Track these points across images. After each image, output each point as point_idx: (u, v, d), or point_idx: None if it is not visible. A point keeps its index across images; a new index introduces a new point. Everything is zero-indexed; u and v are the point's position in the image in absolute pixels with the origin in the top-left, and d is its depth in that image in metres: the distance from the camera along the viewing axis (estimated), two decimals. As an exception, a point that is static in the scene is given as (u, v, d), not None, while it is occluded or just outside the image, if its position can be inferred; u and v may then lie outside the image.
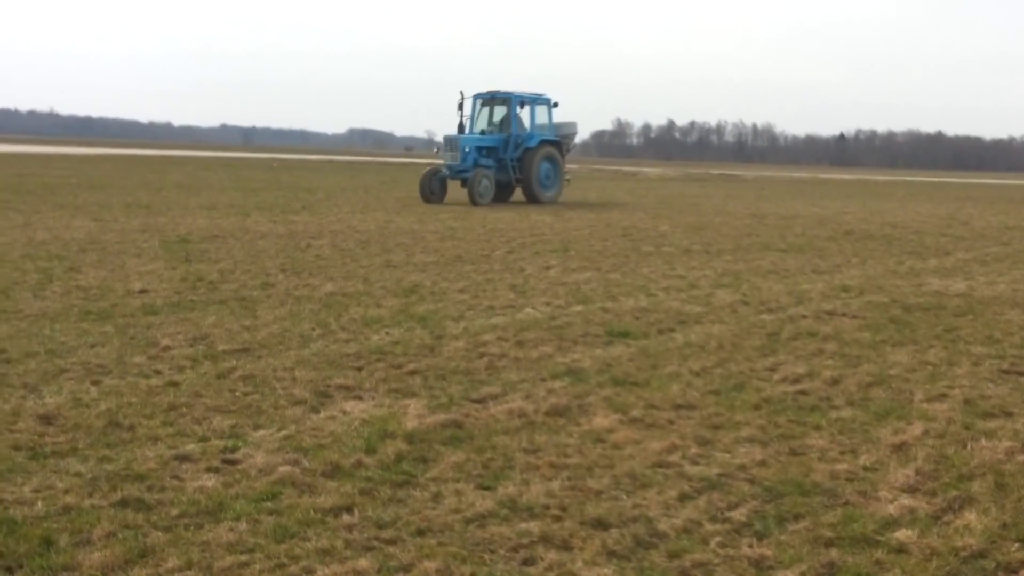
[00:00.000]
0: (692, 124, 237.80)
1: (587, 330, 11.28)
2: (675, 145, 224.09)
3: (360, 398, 8.17)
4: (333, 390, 8.37)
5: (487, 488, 6.18)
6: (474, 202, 31.92)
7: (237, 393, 8.16)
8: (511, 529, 5.52)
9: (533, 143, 33.59)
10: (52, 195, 30.34)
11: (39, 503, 5.66)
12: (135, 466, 6.31)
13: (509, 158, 33.50)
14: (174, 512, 5.64)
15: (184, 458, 6.53)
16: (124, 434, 7.00)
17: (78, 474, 6.16)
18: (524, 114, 34.25)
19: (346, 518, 5.62)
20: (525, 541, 5.38)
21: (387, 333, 10.72)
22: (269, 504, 5.79)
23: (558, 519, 5.70)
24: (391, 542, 5.34)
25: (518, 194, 34.97)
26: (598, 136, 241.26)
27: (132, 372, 8.69)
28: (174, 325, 10.74)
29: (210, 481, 6.12)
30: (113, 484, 6.00)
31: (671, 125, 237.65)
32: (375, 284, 14.24)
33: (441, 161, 33.86)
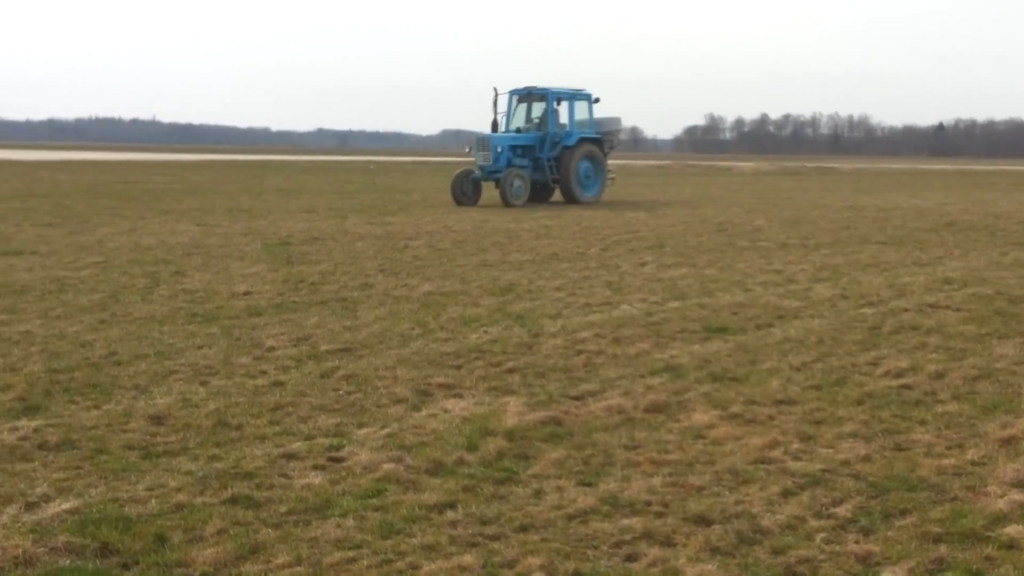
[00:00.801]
0: (786, 117, 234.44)
1: (684, 326, 11.25)
2: (769, 139, 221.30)
3: (460, 396, 8.25)
4: (434, 388, 8.47)
5: (588, 484, 6.21)
6: (506, 203, 30.15)
7: (340, 392, 8.31)
8: (613, 525, 5.54)
9: (572, 141, 31.66)
10: (156, 201, 31.06)
11: (152, 501, 5.83)
12: (244, 464, 6.47)
13: (546, 157, 31.59)
14: (282, 509, 5.76)
15: (291, 456, 6.67)
16: (232, 433, 7.17)
17: (189, 472, 6.32)
18: (563, 111, 32.30)
19: (450, 514, 5.70)
20: (627, 537, 5.40)
21: (485, 332, 10.80)
22: (374, 501, 5.89)
23: (660, 515, 5.71)
24: (495, 538, 5.40)
25: (559, 194, 33.01)
26: (690, 131, 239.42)
27: (238, 372, 8.89)
28: (277, 326, 10.96)
29: (316, 478, 6.24)
30: (223, 482, 6.15)
31: (764, 119, 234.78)
32: (472, 283, 14.35)
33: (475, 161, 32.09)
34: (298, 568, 4.96)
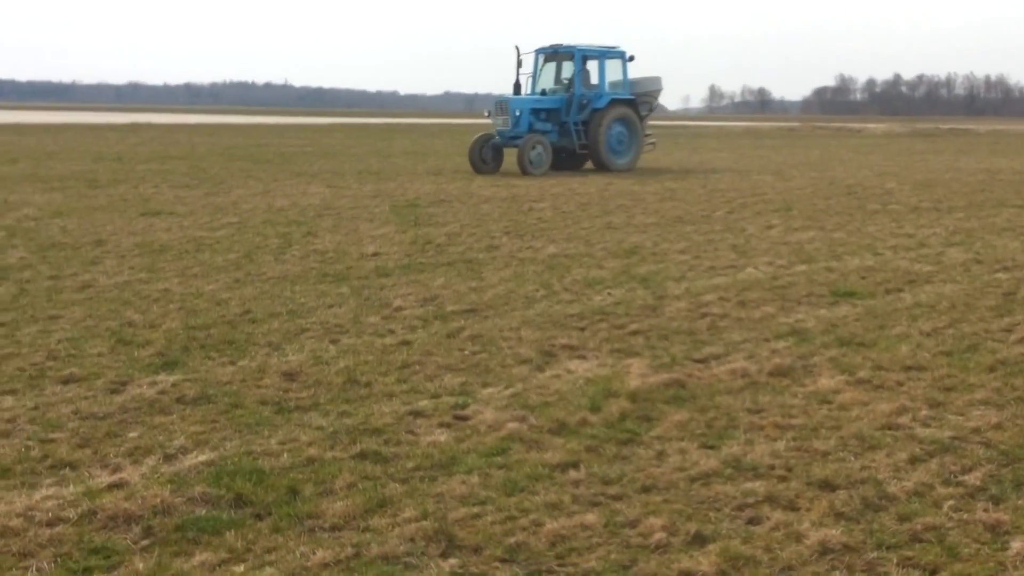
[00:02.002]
0: (920, 78, 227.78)
1: (811, 290, 11.11)
2: (901, 100, 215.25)
3: (584, 357, 8.31)
4: (557, 349, 8.54)
5: (711, 447, 6.22)
6: (524, 171, 27.18)
7: (466, 352, 8.43)
8: (736, 488, 5.55)
9: (602, 103, 28.53)
10: (289, 163, 31.68)
11: (285, 455, 6.02)
12: (372, 421, 6.63)
13: (572, 121, 28.58)
14: (409, 465, 5.90)
15: (417, 414, 6.81)
16: (361, 390, 7.35)
17: (320, 428, 6.51)
18: (594, 71, 29.26)
19: (573, 474, 5.76)
20: (750, 500, 5.39)
21: (609, 294, 10.83)
22: (499, 459, 5.99)
23: (783, 479, 5.69)
24: (617, 498, 5.45)
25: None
26: (820, 93, 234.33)
27: (367, 331, 9.09)
28: (405, 287, 11.15)
29: (442, 436, 6.37)
30: (352, 437, 6.32)
31: (897, 79, 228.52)
32: (596, 246, 14.37)
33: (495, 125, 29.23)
34: (424, 522, 5.08)
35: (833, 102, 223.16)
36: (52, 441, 6.21)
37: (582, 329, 9.27)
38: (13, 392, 7.17)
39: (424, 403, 7.03)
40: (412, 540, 4.90)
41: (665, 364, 8.04)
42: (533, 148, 27.49)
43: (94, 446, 6.15)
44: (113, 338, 8.67)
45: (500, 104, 28.74)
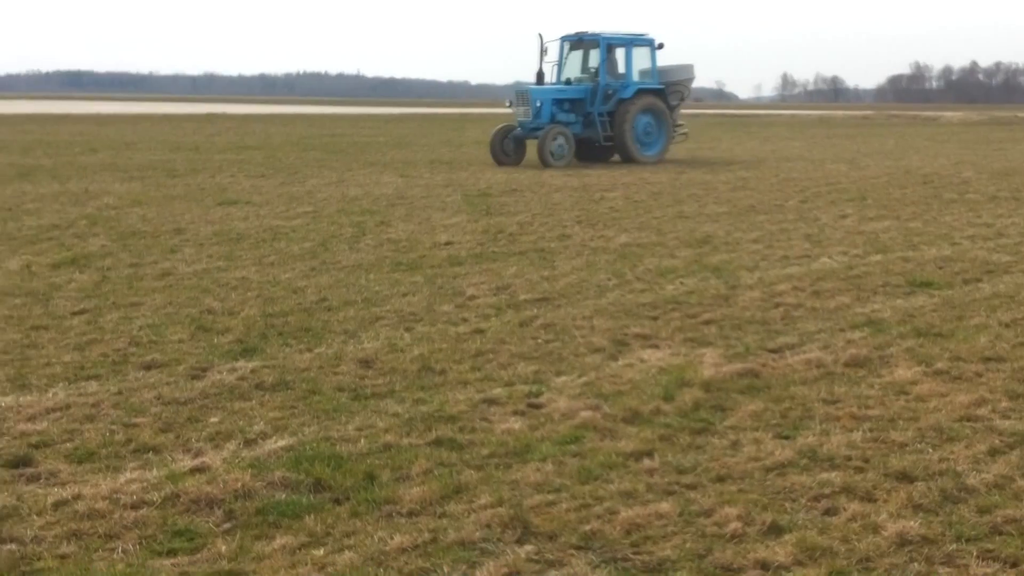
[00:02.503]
0: (997, 65, 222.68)
1: (887, 280, 10.99)
2: (979, 88, 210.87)
3: (657, 347, 8.31)
4: (630, 338, 8.54)
5: (786, 437, 6.19)
6: (545, 163, 26.07)
7: (539, 340, 8.47)
8: (812, 479, 5.52)
9: (628, 93, 27.21)
10: (362, 153, 31.93)
11: (362, 440, 6.10)
12: (447, 408, 6.69)
13: (597, 112, 27.23)
14: (484, 452, 5.95)
15: (491, 401, 6.86)
16: (436, 378, 7.42)
17: (396, 414, 6.58)
18: (621, 59, 27.99)
19: (647, 462, 5.78)
20: (826, 491, 5.37)
21: (681, 283, 10.80)
22: (572, 447, 6.02)
23: (860, 470, 5.66)
24: (691, 487, 5.46)
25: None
26: (894, 81, 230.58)
27: (441, 320, 9.16)
28: (478, 275, 11.21)
29: (516, 424, 6.41)
30: (428, 424, 6.39)
31: (974, 67, 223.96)
32: (668, 235, 14.33)
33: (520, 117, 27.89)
34: (500, 509, 5.12)
35: (908, 90, 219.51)
36: (135, 425, 6.35)
37: (655, 318, 9.26)
38: (97, 377, 7.34)
39: (498, 391, 7.08)
40: (488, 526, 4.94)
41: (739, 354, 8.01)
42: (555, 139, 26.50)
43: (176, 431, 6.29)
44: (193, 325, 8.83)
45: (520, 94, 27.67)
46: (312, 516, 5.05)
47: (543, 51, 27.84)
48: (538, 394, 7.01)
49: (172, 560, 4.63)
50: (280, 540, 4.81)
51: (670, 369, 7.54)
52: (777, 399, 6.91)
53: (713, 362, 7.71)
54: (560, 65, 28.25)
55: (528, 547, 4.75)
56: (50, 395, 6.90)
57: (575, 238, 14.00)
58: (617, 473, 5.63)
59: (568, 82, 28.09)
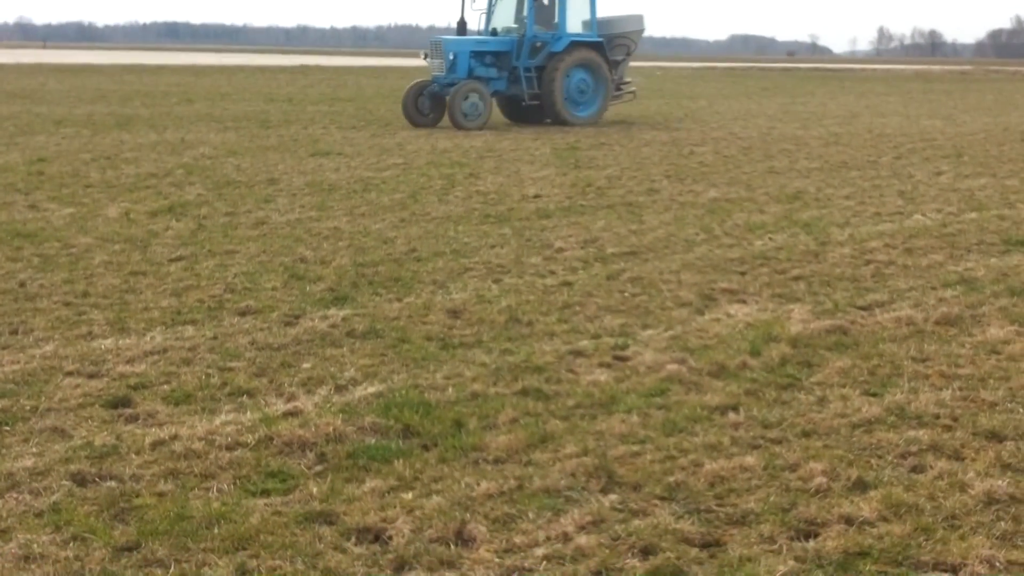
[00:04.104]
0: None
1: (981, 238, 10.81)
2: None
3: (744, 302, 8.29)
4: (717, 293, 8.53)
5: (873, 395, 6.16)
6: (456, 124, 23.03)
7: (626, 294, 8.50)
8: (899, 436, 5.50)
9: (559, 46, 23.88)
10: (449, 105, 31.95)
11: (450, 389, 6.20)
12: (534, 359, 6.77)
13: (523, 66, 23.84)
14: (570, 403, 6.02)
15: (578, 353, 6.92)
16: (523, 329, 7.49)
17: (483, 364, 6.67)
18: (556, 8, 24.46)
19: (732, 416, 5.80)
20: (913, 448, 5.34)
21: (770, 239, 10.73)
22: (658, 399, 6.06)
23: (948, 428, 5.62)
24: (777, 441, 5.47)
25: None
26: (995, 35, 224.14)
27: (529, 272, 9.23)
28: (566, 228, 11.24)
29: (602, 375, 6.47)
30: (515, 374, 6.47)
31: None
32: (758, 190, 14.20)
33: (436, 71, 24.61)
34: (585, 459, 5.19)
35: (1009, 45, 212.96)
36: (231, 370, 6.53)
37: (743, 273, 9.23)
38: (194, 322, 7.54)
39: (584, 343, 7.13)
40: (573, 475, 5.02)
41: (827, 310, 7.96)
42: (466, 97, 23.25)
43: (270, 375, 6.45)
44: (286, 273, 9.00)
45: (435, 45, 24.53)
46: (401, 461, 5.17)
47: None
48: (624, 347, 7.05)
49: (265, 500, 4.78)
50: (370, 483, 4.93)
51: (757, 324, 7.53)
52: (866, 356, 6.87)
53: (801, 318, 7.68)
54: (489, 14, 25.02)
55: (612, 496, 4.81)
56: (148, 339, 7.11)
57: (663, 192, 13.94)
58: (702, 426, 5.66)
59: (494, 32, 24.82)
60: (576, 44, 24.19)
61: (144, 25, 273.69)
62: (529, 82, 23.86)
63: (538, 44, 24.05)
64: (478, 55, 24.05)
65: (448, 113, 23.41)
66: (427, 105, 24.31)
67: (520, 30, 24.44)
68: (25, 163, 15.73)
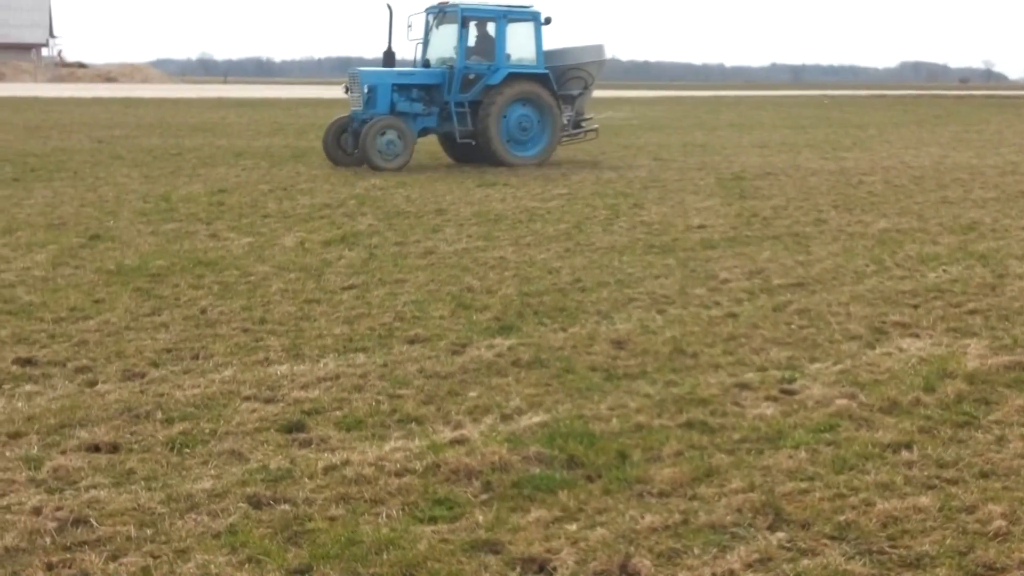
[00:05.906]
0: None
1: None
2: None
3: (917, 336, 8.07)
4: (889, 327, 8.33)
5: (1056, 435, 5.92)
6: (371, 164, 20.42)
7: (793, 326, 8.37)
8: (1084, 479, 5.27)
9: (496, 79, 21.19)
10: (616, 136, 31.98)
11: (614, 420, 6.20)
12: (699, 391, 6.72)
13: (454, 101, 21.27)
14: (736, 436, 5.95)
15: (744, 386, 6.84)
16: (688, 360, 7.45)
17: (647, 395, 6.66)
18: (508, 36, 21.66)
19: (905, 455, 5.65)
20: (1099, 492, 5.11)
21: (944, 271, 10.43)
22: (827, 435, 5.95)
23: None
24: (953, 482, 5.30)
25: None
26: None
27: (693, 303, 9.17)
28: (731, 259, 11.14)
29: (769, 409, 6.38)
30: (679, 406, 6.44)
31: None
32: (931, 221, 13.82)
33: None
34: (751, 494, 5.12)
35: None
36: (400, 397, 6.67)
37: (915, 306, 8.98)
38: (365, 350, 7.72)
39: (750, 376, 7.05)
40: (739, 511, 4.96)
41: (1006, 346, 7.69)
42: (382, 134, 20.64)
43: (437, 403, 6.56)
44: (454, 302, 9.15)
45: (351, 78, 22.18)
46: (566, 491, 5.19)
47: (392, 26, 22.94)
48: (792, 380, 6.94)
49: (432, 527, 4.86)
50: (535, 513, 4.97)
51: (931, 359, 7.32)
52: (1048, 394, 6.61)
53: (978, 353, 7.43)
54: (425, 43, 22.56)
55: (780, 534, 4.74)
56: (322, 365, 7.32)
57: (831, 223, 13.68)
58: (874, 464, 5.53)
59: (427, 64, 22.45)
60: (515, 76, 21.54)
61: (319, 60, 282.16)
62: (461, 119, 21.32)
63: (471, 76, 21.46)
64: (402, 88, 21.51)
65: (360, 153, 20.86)
66: (350, 144, 21.77)
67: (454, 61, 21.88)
68: (207, 194, 16.37)
